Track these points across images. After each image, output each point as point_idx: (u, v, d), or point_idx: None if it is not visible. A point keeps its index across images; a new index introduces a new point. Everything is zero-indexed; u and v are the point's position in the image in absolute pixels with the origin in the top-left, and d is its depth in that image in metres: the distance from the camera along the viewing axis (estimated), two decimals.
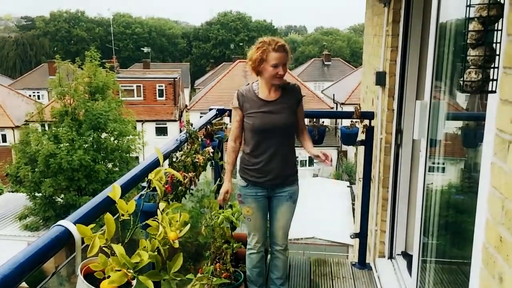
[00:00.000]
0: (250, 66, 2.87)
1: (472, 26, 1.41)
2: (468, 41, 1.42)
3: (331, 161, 2.83)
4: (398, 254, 3.62)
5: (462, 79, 1.45)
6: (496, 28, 1.42)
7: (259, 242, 3.08)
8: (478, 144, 1.78)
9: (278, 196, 2.99)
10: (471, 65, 1.43)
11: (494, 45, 1.43)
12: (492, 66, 1.42)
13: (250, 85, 2.95)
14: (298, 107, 2.94)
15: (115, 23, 61.30)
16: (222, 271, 2.98)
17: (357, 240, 4.08)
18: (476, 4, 1.41)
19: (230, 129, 3.16)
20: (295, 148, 3.04)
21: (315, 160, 2.98)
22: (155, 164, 2.14)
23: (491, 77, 1.43)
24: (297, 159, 3.13)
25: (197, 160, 2.52)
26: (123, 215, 1.45)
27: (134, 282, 1.36)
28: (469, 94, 2.40)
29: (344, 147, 26.81)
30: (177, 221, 1.51)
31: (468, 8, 1.43)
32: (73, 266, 1.43)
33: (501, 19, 1.40)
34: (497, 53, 1.43)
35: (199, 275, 2.76)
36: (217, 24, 64.15)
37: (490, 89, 1.44)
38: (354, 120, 3.73)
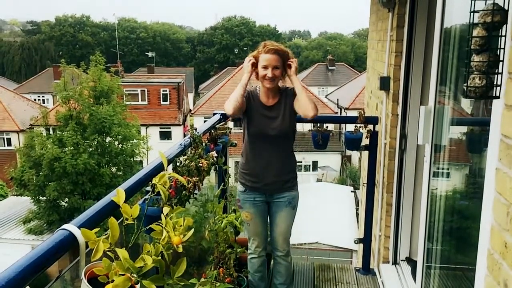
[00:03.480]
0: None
1: (476, 32, 1.41)
2: (472, 47, 1.42)
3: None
4: (403, 260, 3.60)
5: (466, 84, 1.45)
6: (500, 34, 1.42)
7: (259, 247, 3.07)
8: (483, 149, 1.78)
9: (276, 201, 2.97)
10: (475, 71, 1.43)
11: (498, 51, 1.43)
12: (496, 72, 1.42)
13: (255, 87, 2.96)
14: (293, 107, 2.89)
15: (120, 28, 61.65)
16: (226, 276, 2.98)
17: (361, 245, 4.06)
18: (480, 10, 1.41)
19: (233, 134, 3.16)
20: (295, 153, 3.03)
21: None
22: (159, 168, 2.14)
23: (495, 83, 1.43)
24: (297, 164, 3.12)
25: (201, 164, 2.52)
26: (127, 219, 1.46)
27: (137, 287, 1.36)
28: (474, 100, 2.40)
29: (348, 152, 26.78)
30: (181, 226, 1.51)
31: (472, 14, 1.43)
32: (77, 270, 1.43)
33: (505, 25, 1.40)
34: (501, 59, 1.43)
35: (202, 279, 2.75)
36: (221, 29, 64.38)
37: (494, 94, 1.44)
38: (358, 125, 3.72)
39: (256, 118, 2.85)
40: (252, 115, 2.86)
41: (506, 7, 1.39)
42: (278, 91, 2.89)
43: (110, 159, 16.95)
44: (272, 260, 3.31)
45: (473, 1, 1.44)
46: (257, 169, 2.89)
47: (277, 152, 2.88)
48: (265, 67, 2.75)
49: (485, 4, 1.42)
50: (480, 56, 1.41)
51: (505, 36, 1.42)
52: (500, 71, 1.43)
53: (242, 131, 2.98)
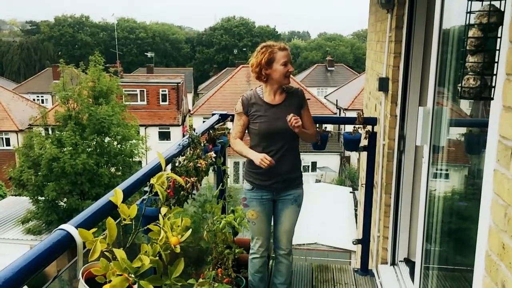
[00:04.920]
0: (255, 73, 2.88)
1: (472, 32, 1.41)
2: (468, 48, 1.43)
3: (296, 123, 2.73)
4: (401, 261, 3.60)
5: (460, 85, 1.45)
6: (495, 35, 1.42)
7: (263, 247, 3.08)
8: (481, 150, 1.78)
9: (283, 199, 3.00)
10: (469, 72, 1.43)
11: (493, 52, 1.43)
12: (491, 73, 1.42)
13: (254, 90, 2.98)
14: (301, 110, 2.95)
15: (119, 28, 61.62)
16: (224, 277, 2.98)
17: (360, 246, 4.07)
18: (477, 11, 1.41)
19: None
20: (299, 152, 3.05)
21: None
22: (158, 168, 2.14)
23: (489, 84, 1.43)
24: (301, 162, 3.14)
25: (200, 165, 2.52)
26: (125, 219, 1.45)
27: (135, 287, 1.36)
28: (472, 101, 2.40)
29: (347, 153, 26.81)
30: (178, 226, 1.51)
31: (468, 14, 1.43)
32: (75, 270, 1.43)
33: (500, 26, 1.40)
34: (496, 60, 1.43)
35: (200, 280, 2.75)
36: (220, 29, 64.38)
37: (488, 95, 1.44)
38: (357, 126, 3.72)
39: (265, 118, 2.88)
40: (259, 117, 2.89)
41: (502, 9, 1.39)
42: (282, 89, 2.93)
43: (109, 159, 16.92)
44: (272, 260, 3.31)
45: (469, 2, 1.44)
46: (266, 168, 2.90)
47: (287, 150, 2.91)
48: (285, 64, 2.80)
49: (482, 5, 1.43)
50: (475, 57, 1.41)
51: (501, 37, 1.42)
52: (495, 72, 1.43)
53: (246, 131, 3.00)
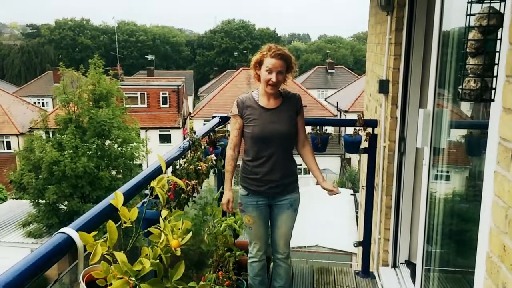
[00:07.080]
0: (252, 72, 2.90)
1: (471, 35, 1.42)
2: (468, 50, 1.43)
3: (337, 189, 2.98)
4: (402, 263, 3.60)
5: (461, 87, 1.46)
6: (495, 37, 1.43)
7: (261, 251, 3.07)
8: (482, 152, 1.78)
9: (279, 204, 2.97)
10: (470, 74, 1.43)
11: (493, 54, 1.44)
12: (491, 75, 1.43)
13: (250, 93, 2.95)
14: (297, 116, 2.93)
15: (119, 31, 61.72)
16: (225, 279, 2.98)
17: (361, 248, 4.06)
18: (476, 14, 1.41)
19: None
20: (294, 156, 3.04)
21: (328, 194, 3.02)
22: (158, 171, 2.14)
23: (490, 86, 1.43)
24: (298, 167, 3.13)
25: (200, 167, 2.52)
26: (125, 222, 1.46)
27: None
28: (473, 102, 2.40)
29: (348, 155, 26.79)
30: (179, 229, 1.50)
31: (468, 17, 1.43)
32: (76, 274, 1.43)
33: (500, 29, 1.41)
34: (496, 62, 1.43)
35: (201, 283, 2.75)
36: (221, 32, 64.48)
37: (489, 97, 1.45)
38: (357, 128, 3.73)
39: (259, 122, 2.85)
40: (253, 121, 2.86)
41: (502, 11, 1.39)
42: (279, 94, 2.90)
43: (110, 162, 16.96)
44: (272, 263, 3.30)
45: (469, 4, 1.44)
46: (261, 173, 2.88)
47: (280, 155, 2.88)
48: (270, 71, 2.76)
49: (481, 7, 1.43)
50: (475, 59, 1.42)
51: (500, 39, 1.42)
52: (495, 74, 1.44)
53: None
